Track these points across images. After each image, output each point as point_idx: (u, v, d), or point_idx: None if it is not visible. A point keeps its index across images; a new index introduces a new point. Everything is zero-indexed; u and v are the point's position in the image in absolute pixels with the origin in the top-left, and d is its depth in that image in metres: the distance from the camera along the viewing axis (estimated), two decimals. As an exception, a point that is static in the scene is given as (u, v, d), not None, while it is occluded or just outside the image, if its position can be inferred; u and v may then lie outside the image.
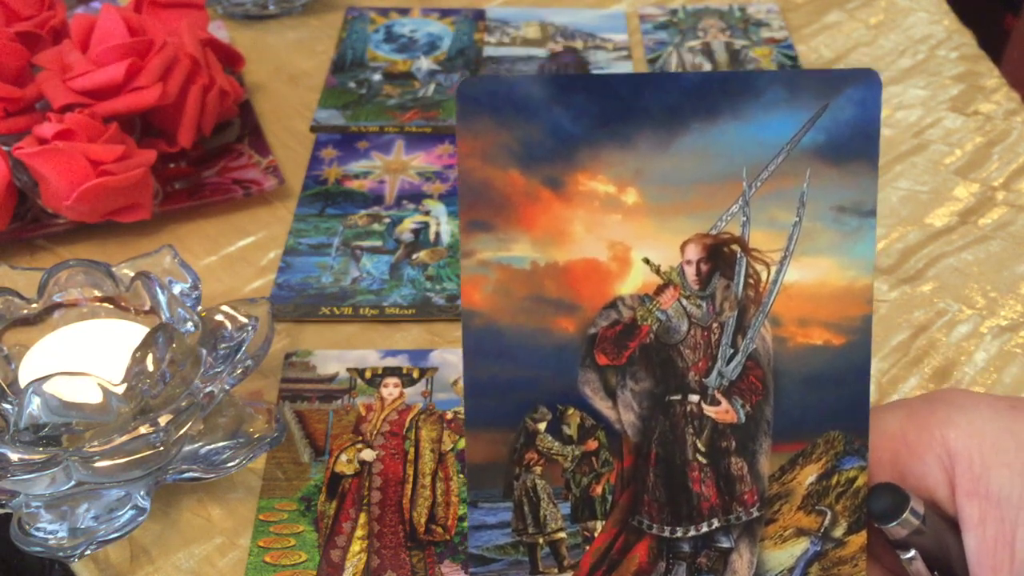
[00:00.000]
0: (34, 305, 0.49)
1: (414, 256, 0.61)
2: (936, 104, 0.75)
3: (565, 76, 0.33)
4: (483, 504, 0.35)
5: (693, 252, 0.34)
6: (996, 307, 0.58)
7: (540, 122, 0.32)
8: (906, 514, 0.34)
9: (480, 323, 0.34)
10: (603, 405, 0.35)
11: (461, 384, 0.52)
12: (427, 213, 0.64)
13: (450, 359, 0.54)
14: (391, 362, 0.54)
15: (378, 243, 0.61)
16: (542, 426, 0.35)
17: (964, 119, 0.73)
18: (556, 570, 0.36)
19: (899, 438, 0.35)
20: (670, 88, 0.32)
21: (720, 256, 0.34)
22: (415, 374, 0.53)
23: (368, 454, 0.49)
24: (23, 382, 0.45)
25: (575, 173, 0.33)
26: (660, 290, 0.34)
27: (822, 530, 0.35)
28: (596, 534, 0.36)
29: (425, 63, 0.78)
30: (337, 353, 0.54)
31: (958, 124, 0.73)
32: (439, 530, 0.46)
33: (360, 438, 0.50)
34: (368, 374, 0.53)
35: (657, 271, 0.34)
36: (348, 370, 0.53)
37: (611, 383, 0.35)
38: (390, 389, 0.52)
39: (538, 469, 0.35)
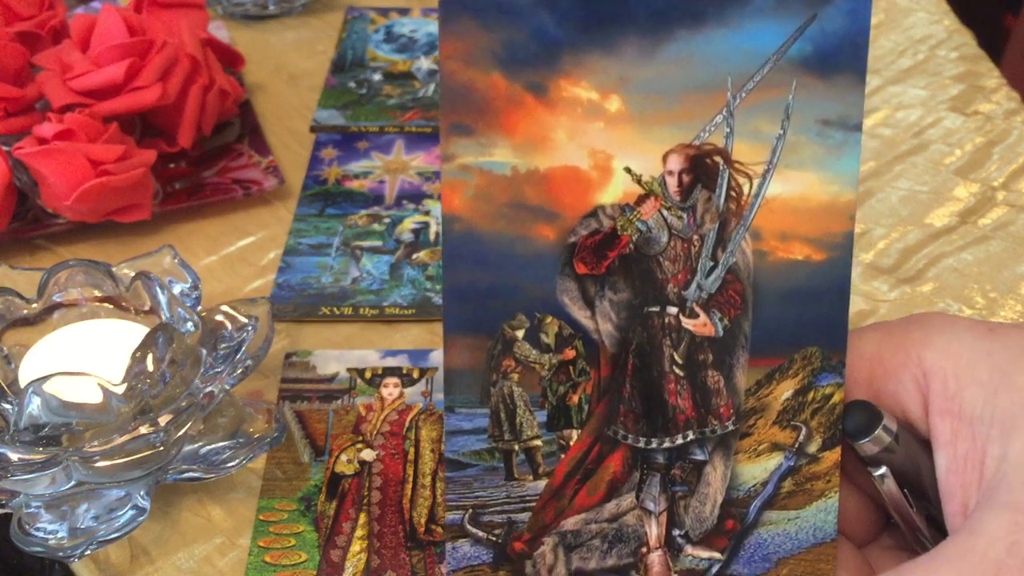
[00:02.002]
0: (34, 305, 0.49)
1: (414, 256, 0.61)
2: (936, 104, 0.75)
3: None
4: (460, 409, 0.35)
5: (675, 163, 0.33)
6: (996, 307, 0.58)
7: (524, 25, 0.32)
8: (878, 431, 0.34)
9: (460, 228, 0.33)
10: (581, 314, 0.34)
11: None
12: (427, 213, 0.64)
13: (450, 359, 0.54)
14: (391, 362, 0.54)
15: (378, 243, 0.61)
16: (520, 333, 0.35)
17: (964, 119, 0.73)
18: (531, 477, 0.36)
19: (875, 358, 0.35)
20: None
21: (702, 167, 0.33)
22: (415, 374, 0.53)
23: (368, 454, 0.49)
24: (23, 382, 0.45)
25: (558, 79, 0.32)
26: (641, 200, 0.34)
27: (796, 445, 0.35)
28: (571, 443, 0.35)
29: (425, 63, 0.78)
30: (337, 353, 0.54)
31: (958, 124, 0.73)
32: (439, 530, 0.46)
33: (360, 438, 0.50)
34: (368, 374, 0.53)
35: (638, 181, 0.33)
36: (348, 370, 0.53)
37: (590, 292, 0.34)
38: (390, 389, 0.52)
39: (515, 376, 0.35)
